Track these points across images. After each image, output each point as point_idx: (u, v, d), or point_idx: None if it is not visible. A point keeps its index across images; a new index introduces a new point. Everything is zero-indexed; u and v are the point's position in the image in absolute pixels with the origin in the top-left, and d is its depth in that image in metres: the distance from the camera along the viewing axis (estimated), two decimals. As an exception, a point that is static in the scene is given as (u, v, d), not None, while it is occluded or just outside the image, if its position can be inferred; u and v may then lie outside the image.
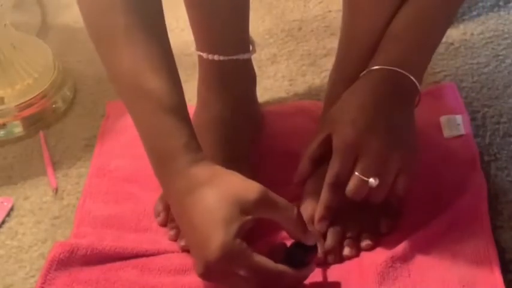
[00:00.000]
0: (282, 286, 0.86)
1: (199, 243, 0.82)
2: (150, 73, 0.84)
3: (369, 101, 0.92)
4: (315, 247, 0.89)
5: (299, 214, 0.87)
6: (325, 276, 0.93)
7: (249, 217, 0.82)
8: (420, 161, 0.95)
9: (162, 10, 0.88)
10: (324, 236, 0.95)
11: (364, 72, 0.95)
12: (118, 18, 0.84)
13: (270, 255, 0.84)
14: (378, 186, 0.90)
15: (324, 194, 0.93)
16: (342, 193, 0.91)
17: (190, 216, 0.83)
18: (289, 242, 0.90)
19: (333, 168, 0.92)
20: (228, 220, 0.81)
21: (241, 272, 0.82)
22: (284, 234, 0.90)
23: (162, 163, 0.85)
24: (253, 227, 0.84)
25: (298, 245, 0.88)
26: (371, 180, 0.90)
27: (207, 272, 0.83)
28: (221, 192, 0.82)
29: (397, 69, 0.92)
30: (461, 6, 0.97)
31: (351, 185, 0.90)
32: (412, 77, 0.93)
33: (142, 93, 0.84)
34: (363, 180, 0.90)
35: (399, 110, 0.93)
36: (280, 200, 0.85)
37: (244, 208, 0.82)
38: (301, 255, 0.88)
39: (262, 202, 0.83)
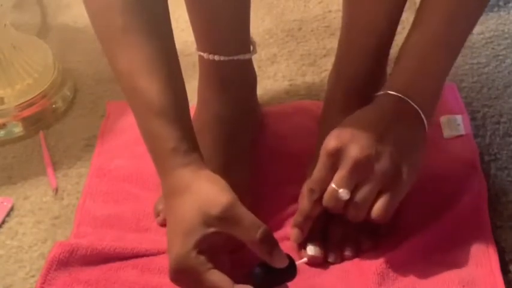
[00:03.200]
0: None
1: (168, 249, 0.84)
2: (143, 75, 0.84)
3: (363, 117, 0.91)
4: (290, 268, 0.83)
5: (265, 234, 0.81)
6: (325, 276, 0.93)
7: (211, 230, 0.80)
8: (411, 187, 0.91)
9: (166, 11, 0.88)
10: (325, 236, 0.95)
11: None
12: (116, 19, 0.85)
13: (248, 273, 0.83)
14: (354, 202, 0.88)
15: (302, 201, 0.92)
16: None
17: (167, 221, 0.85)
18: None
19: (313, 175, 0.91)
20: (188, 231, 0.81)
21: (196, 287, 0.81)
22: None
23: (156, 163, 0.86)
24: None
25: (264, 265, 0.82)
26: (341, 190, 0.88)
27: (173, 278, 0.83)
28: (191, 202, 0.81)
29: (400, 95, 0.90)
30: (470, 33, 0.94)
31: (325, 194, 0.89)
32: (412, 103, 0.90)
33: (136, 94, 0.85)
34: (335, 190, 0.88)
35: (396, 130, 0.90)
36: (248, 217, 0.80)
37: (207, 221, 0.80)
38: (270, 276, 0.82)
39: (224, 217, 0.80)
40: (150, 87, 0.84)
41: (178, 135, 0.84)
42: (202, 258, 0.80)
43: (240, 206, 0.81)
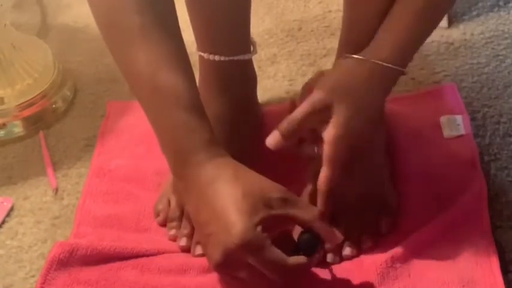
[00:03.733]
0: (291, 280, 0.85)
1: (220, 230, 0.82)
2: (167, 71, 0.85)
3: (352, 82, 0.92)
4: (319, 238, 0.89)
5: (322, 215, 0.87)
6: (325, 276, 0.93)
7: (273, 212, 0.83)
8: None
9: (175, 9, 0.88)
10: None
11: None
12: (133, 18, 0.85)
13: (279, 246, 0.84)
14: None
15: (320, 203, 0.92)
16: (335, 198, 0.91)
17: (212, 205, 0.83)
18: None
19: (325, 180, 0.91)
20: (252, 210, 0.82)
21: (257, 263, 0.82)
22: None
23: (181, 157, 0.85)
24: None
25: (306, 234, 0.88)
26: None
27: (223, 260, 0.82)
28: (247, 186, 0.83)
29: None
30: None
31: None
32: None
33: (160, 90, 0.85)
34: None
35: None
36: (302, 199, 0.89)
37: (268, 204, 0.83)
38: (313, 244, 0.87)
39: (285, 198, 0.84)
40: (176, 82, 0.85)
41: (210, 127, 0.86)
42: (265, 234, 0.82)
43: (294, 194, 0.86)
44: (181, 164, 0.86)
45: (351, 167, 0.91)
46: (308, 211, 0.86)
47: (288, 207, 0.84)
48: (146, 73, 0.85)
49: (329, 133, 0.90)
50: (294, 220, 0.86)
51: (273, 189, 0.84)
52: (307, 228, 0.87)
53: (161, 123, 0.87)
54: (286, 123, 0.92)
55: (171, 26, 0.87)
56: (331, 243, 0.89)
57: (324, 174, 0.91)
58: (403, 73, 0.93)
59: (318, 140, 0.91)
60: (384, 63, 0.90)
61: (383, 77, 0.92)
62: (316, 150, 0.92)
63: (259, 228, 0.81)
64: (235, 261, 0.83)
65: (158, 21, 0.86)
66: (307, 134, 0.93)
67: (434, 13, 0.93)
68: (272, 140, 0.93)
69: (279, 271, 0.83)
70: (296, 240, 0.88)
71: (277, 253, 0.82)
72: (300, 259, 0.84)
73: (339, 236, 0.92)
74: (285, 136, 0.92)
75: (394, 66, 0.91)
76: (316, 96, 0.91)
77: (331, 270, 0.93)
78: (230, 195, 0.82)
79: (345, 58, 0.94)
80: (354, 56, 0.92)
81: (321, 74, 0.98)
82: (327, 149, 0.90)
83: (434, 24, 0.95)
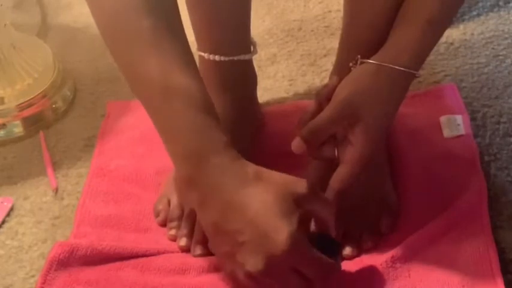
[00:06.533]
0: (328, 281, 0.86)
1: (259, 237, 0.80)
2: (180, 73, 0.84)
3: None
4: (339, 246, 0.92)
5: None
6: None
7: (302, 209, 0.83)
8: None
9: (178, 10, 0.88)
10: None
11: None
12: (141, 20, 0.83)
13: None
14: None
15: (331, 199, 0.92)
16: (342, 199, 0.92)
17: (243, 212, 0.81)
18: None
19: (343, 179, 0.91)
20: (288, 212, 0.81)
21: (303, 268, 0.82)
22: None
23: (198, 162, 0.83)
24: None
25: (323, 236, 0.88)
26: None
27: (267, 268, 0.81)
28: (274, 187, 0.82)
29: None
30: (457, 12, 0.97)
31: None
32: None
33: (173, 93, 0.83)
34: None
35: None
36: (322, 194, 0.87)
37: (297, 200, 0.83)
38: (333, 245, 0.88)
39: (310, 193, 0.84)
40: (190, 83, 0.84)
41: (224, 129, 0.85)
42: (305, 235, 0.82)
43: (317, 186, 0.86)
44: (197, 169, 0.83)
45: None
46: (327, 207, 0.87)
47: (313, 202, 0.85)
48: (157, 76, 0.83)
49: (357, 137, 0.89)
50: (314, 215, 0.87)
51: (297, 185, 0.84)
52: (320, 226, 0.88)
53: (173, 126, 0.84)
54: (310, 131, 0.92)
55: (178, 27, 0.87)
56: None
57: (341, 174, 0.91)
58: (416, 76, 0.93)
59: (338, 143, 0.92)
60: (404, 69, 0.91)
61: (402, 81, 0.92)
62: (336, 153, 0.92)
63: (301, 231, 0.81)
64: (279, 268, 0.81)
65: (166, 23, 0.85)
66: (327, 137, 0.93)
67: (447, 16, 0.93)
68: (296, 145, 0.93)
69: (323, 272, 0.83)
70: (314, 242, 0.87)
71: (318, 254, 0.83)
72: (333, 261, 0.85)
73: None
74: (308, 142, 0.92)
75: (412, 71, 0.91)
76: (341, 105, 0.91)
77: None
78: (261, 200, 0.81)
79: (362, 63, 0.94)
80: (373, 61, 0.92)
81: (337, 81, 0.96)
82: (353, 151, 0.90)
83: (446, 27, 0.95)
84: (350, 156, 0.90)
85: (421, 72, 1.22)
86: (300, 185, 0.84)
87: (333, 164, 0.91)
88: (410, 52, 0.91)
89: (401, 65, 0.90)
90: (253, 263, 0.81)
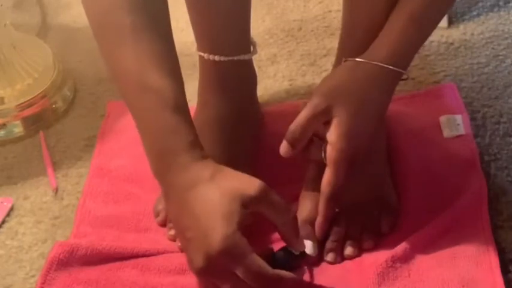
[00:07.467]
0: None
1: (200, 236, 0.82)
2: (156, 71, 0.85)
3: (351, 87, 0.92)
4: (303, 252, 0.89)
5: (294, 219, 0.87)
6: (325, 276, 0.93)
7: (249, 211, 0.82)
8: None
9: (168, 10, 0.88)
10: (326, 236, 0.95)
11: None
12: (124, 18, 0.85)
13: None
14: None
15: (322, 207, 0.93)
16: (338, 200, 0.92)
17: (192, 210, 0.83)
18: (275, 247, 0.90)
19: (330, 182, 0.91)
20: (229, 213, 0.81)
21: (239, 272, 0.81)
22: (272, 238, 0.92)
23: (164, 159, 0.85)
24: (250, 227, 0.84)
25: (286, 249, 0.88)
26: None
27: (206, 266, 0.82)
28: (223, 187, 0.83)
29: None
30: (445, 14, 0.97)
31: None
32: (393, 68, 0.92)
33: (147, 90, 0.85)
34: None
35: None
36: (280, 200, 0.85)
37: (244, 202, 0.82)
38: (289, 260, 0.88)
39: (262, 198, 0.83)
40: (164, 83, 0.85)
41: (194, 130, 0.86)
42: (245, 239, 0.81)
43: (272, 190, 0.84)
44: (163, 166, 0.85)
45: (353, 168, 0.91)
46: (282, 213, 0.85)
47: (263, 206, 0.84)
48: (134, 72, 0.85)
49: (331, 134, 0.90)
50: (268, 220, 0.86)
51: (249, 186, 0.83)
52: (279, 230, 0.87)
53: (145, 123, 0.86)
54: (290, 131, 0.92)
55: (162, 27, 0.88)
56: (297, 249, 0.88)
57: (327, 177, 0.91)
58: (403, 75, 0.93)
59: (324, 143, 0.92)
60: (380, 64, 0.91)
61: (380, 77, 0.92)
62: (322, 154, 0.92)
63: (239, 234, 0.81)
64: (217, 268, 0.82)
65: (149, 21, 0.86)
66: (314, 138, 0.93)
67: (432, 14, 0.93)
68: (283, 149, 0.93)
69: (261, 281, 0.82)
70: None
71: (258, 261, 0.81)
72: (282, 273, 0.83)
73: (311, 248, 0.92)
74: (292, 144, 0.92)
75: (391, 67, 0.91)
76: (316, 100, 0.92)
77: (331, 270, 0.93)
78: (208, 199, 0.82)
79: (343, 62, 0.95)
80: (352, 59, 0.93)
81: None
82: (330, 150, 0.90)
83: (432, 26, 0.95)
84: (331, 156, 0.90)
85: (421, 72, 1.23)
86: (250, 186, 0.83)
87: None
88: (389, 48, 0.91)
89: (377, 60, 0.91)
90: (195, 260, 0.83)
